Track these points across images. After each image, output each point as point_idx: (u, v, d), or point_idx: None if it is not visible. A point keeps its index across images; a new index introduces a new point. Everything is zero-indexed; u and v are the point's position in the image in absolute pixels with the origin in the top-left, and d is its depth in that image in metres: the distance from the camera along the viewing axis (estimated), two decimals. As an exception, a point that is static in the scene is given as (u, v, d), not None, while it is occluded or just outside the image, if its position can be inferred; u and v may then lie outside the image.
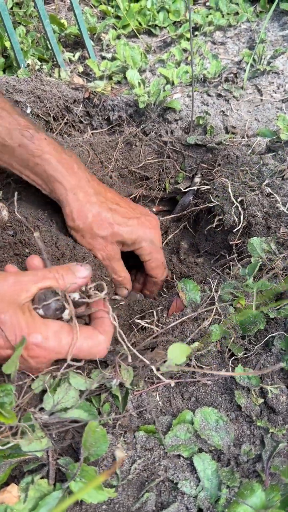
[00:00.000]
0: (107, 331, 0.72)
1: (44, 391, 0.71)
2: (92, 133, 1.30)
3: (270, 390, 0.72)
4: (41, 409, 0.70)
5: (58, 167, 0.90)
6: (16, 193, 0.92)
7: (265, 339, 0.83)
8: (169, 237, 1.24)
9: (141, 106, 1.19)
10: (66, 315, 0.68)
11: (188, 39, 1.67)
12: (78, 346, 0.67)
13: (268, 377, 0.76)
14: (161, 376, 0.57)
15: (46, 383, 0.71)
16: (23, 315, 0.64)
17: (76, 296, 0.71)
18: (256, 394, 0.75)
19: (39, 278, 0.67)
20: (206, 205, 1.08)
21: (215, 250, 1.15)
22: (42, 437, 0.63)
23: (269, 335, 0.83)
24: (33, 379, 0.71)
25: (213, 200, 1.06)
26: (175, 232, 1.24)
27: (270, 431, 0.71)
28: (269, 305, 0.83)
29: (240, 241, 1.05)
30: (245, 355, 0.81)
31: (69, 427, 0.68)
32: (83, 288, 0.72)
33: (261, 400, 0.74)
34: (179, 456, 0.71)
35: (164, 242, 1.23)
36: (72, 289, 0.69)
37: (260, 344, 0.82)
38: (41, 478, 0.68)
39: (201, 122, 1.19)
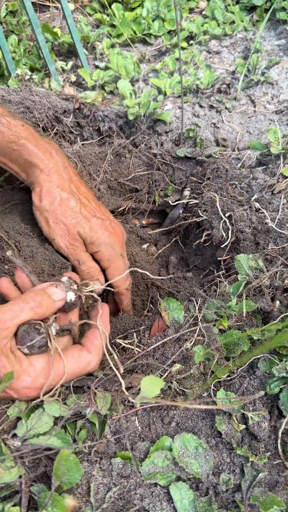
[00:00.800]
0: (95, 345, 0.71)
1: (19, 417, 0.69)
2: (82, 144, 1.28)
3: (251, 416, 0.70)
4: (15, 436, 0.68)
5: (35, 151, 0.90)
6: None
7: (249, 361, 0.81)
8: (160, 251, 1.22)
9: (131, 118, 1.17)
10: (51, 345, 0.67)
11: (183, 48, 1.66)
12: (69, 371, 0.67)
13: (250, 402, 0.74)
14: (138, 405, 0.55)
15: (22, 410, 0.69)
16: (7, 360, 0.63)
17: (57, 326, 0.70)
18: (237, 420, 0.73)
19: (16, 313, 0.65)
20: (194, 220, 1.06)
21: (204, 264, 1.13)
22: (11, 467, 0.61)
23: (254, 357, 0.81)
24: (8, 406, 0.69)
25: (202, 215, 1.04)
26: (166, 246, 1.22)
27: (250, 459, 0.69)
28: (256, 329, 0.80)
29: (228, 256, 1.03)
30: (229, 377, 0.79)
31: (41, 455, 0.66)
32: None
33: (242, 426, 0.72)
34: (156, 484, 0.68)
35: (154, 256, 1.21)
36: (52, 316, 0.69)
37: (244, 366, 0.80)
38: (13, 505, 0.66)
39: (191, 134, 1.18)
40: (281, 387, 0.74)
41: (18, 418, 0.69)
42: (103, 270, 0.99)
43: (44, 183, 0.91)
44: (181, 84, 1.02)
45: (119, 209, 1.20)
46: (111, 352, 0.70)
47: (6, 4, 1.60)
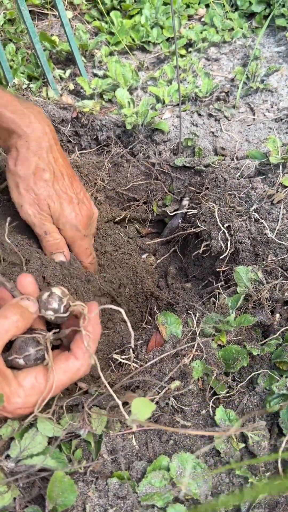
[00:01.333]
0: (83, 351, 0.67)
1: (13, 437, 0.68)
2: (80, 153, 1.27)
3: (250, 436, 0.68)
4: (8, 456, 0.66)
5: (12, 118, 0.87)
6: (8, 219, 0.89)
7: (249, 377, 0.79)
8: (158, 261, 1.20)
9: (128, 127, 1.16)
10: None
11: (182, 56, 1.65)
12: (59, 383, 0.65)
13: (250, 420, 0.73)
14: (134, 426, 0.53)
15: (15, 429, 0.67)
16: None
17: (51, 337, 0.68)
18: (236, 439, 0.71)
19: (2, 333, 0.63)
20: (193, 230, 1.04)
21: (203, 275, 1.12)
22: (5, 492, 0.60)
23: (253, 373, 0.79)
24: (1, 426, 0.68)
25: (200, 225, 1.02)
26: (165, 256, 1.20)
27: (249, 480, 0.67)
28: (255, 344, 0.79)
29: (227, 267, 1.02)
30: (228, 394, 0.78)
31: (36, 477, 0.64)
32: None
33: (241, 445, 0.70)
34: (153, 506, 0.67)
35: (153, 266, 1.20)
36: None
37: (244, 381, 0.79)
38: (7, 528, 0.64)
39: (189, 143, 1.16)
40: (281, 404, 0.73)
41: (11, 438, 0.68)
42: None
43: (21, 149, 0.89)
44: (179, 93, 1.01)
45: (117, 219, 1.19)
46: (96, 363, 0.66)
47: (4, 13, 1.60)
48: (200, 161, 1.13)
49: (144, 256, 1.22)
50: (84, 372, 0.67)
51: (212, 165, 1.12)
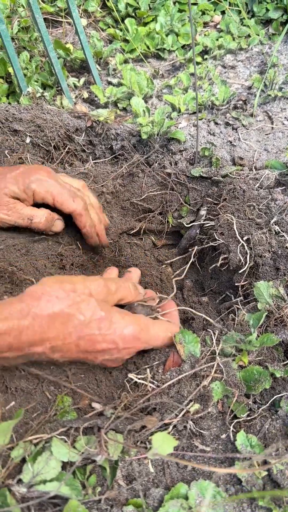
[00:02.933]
0: (177, 323, 0.85)
1: (25, 460, 0.65)
2: (94, 163, 1.25)
3: (275, 466, 0.65)
4: (20, 481, 0.64)
5: None
6: None
7: (272, 400, 0.75)
8: (176, 272, 1.17)
9: (144, 136, 1.14)
10: None
11: (198, 63, 1.63)
12: (157, 336, 0.77)
13: (273, 447, 0.69)
14: (156, 458, 0.50)
15: (26, 451, 0.65)
16: (117, 312, 0.71)
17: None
18: (259, 466, 0.68)
19: (124, 289, 0.78)
20: (210, 244, 1.01)
21: (220, 289, 1.08)
22: (16, 521, 0.57)
23: (276, 395, 0.75)
24: (12, 447, 0.65)
25: (218, 238, 0.99)
26: (182, 268, 1.17)
27: (273, 511, 0.63)
28: (278, 365, 0.75)
29: (246, 282, 0.98)
30: (249, 417, 0.74)
31: (49, 506, 0.62)
32: None
33: (264, 473, 0.67)
34: (171, 537, 0.63)
35: (172, 277, 1.16)
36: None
37: (266, 405, 0.75)
38: None
39: (206, 153, 1.13)
40: (306, 430, 0.69)
41: (23, 461, 0.65)
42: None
43: None
44: (196, 101, 0.98)
45: (134, 231, 1.16)
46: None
47: (18, 21, 1.59)
48: (218, 171, 1.10)
49: (163, 267, 1.19)
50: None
51: (230, 175, 1.09)
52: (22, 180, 0.91)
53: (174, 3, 1.74)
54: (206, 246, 1.03)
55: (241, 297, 0.97)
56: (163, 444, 0.46)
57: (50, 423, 0.70)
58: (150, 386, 0.75)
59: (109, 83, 1.56)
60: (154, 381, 0.75)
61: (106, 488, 0.66)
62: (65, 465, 0.65)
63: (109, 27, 1.74)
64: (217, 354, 0.78)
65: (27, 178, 0.91)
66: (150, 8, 1.75)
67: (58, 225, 0.98)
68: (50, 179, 0.93)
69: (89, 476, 0.66)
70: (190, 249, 1.13)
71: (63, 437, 0.67)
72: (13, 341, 0.63)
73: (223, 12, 1.78)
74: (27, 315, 0.63)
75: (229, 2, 1.74)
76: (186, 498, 0.65)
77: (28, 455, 0.64)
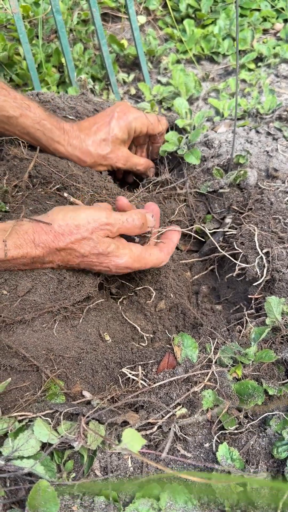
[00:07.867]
0: (168, 252, 0.94)
1: (7, 435, 0.67)
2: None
3: (248, 483, 0.64)
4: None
5: (53, 130, 1.05)
6: None
7: (262, 416, 0.74)
8: (194, 277, 1.16)
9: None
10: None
11: (250, 70, 1.60)
12: (146, 264, 0.88)
13: (253, 463, 0.68)
14: (125, 452, 0.51)
15: (9, 426, 0.67)
16: (114, 245, 0.83)
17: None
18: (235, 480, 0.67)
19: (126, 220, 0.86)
20: (223, 253, 1.00)
21: (235, 299, 1.07)
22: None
23: (267, 413, 0.74)
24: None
25: (237, 248, 0.98)
26: (200, 274, 1.16)
27: (242, 528, 0.62)
28: (272, 382, 0.74)
29: (261, 295, 0.96)
30: (236, 430, 0.73)
31: (23, 481, 0.64)
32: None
33: (240, 488, 0.66)
34: (136, 534, 0.64)
35: (190, 281, 1.15)
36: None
37: (256, 420, 0.74)
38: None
39: (241, 161, 1.12)
40: (290, 453, 0.67)
41: (5, 435, 0.67)
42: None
43: (74, 151, 1.09)
44: (235, 107, 0.97)
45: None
46: None
47: (78, 13, 1.63)
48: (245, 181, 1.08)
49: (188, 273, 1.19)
50: (162, 264, 0.92)
51: (260, 185, 1.07)
52: (124, 124, 1.10)
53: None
54: (218, 254, 1.02)
55: (253, 310, 0.95)
56: (133, 440, 0.47)
57: (38, 403, 0.72)
58: (141, 383, 0.75)
59: (158, 81, 1.57)
60: (146, 379, 0.76)
61: (82, 475, 0.67)
62: (44, 446, 0.67)
63: (167, 26, 1.75)
64: (213, 362, 0.77)
65: (126, 120, 1.10)
66: (211, 11, 1.74)
67: (152, 172, 1.25)
68: (137, 112, 1.12)
69: (66, 461, 0.68)
70: (211, 256, 1.12)
71: (47, 418, 0.69)
72: (27, 262, 0.80)
73: (285, 21, 1.75)
74: (38, 246, 0.78)
75: (293, 11, 1.70)
76: (158, 499, 0.65)
77: (11, 430, 0.67)
